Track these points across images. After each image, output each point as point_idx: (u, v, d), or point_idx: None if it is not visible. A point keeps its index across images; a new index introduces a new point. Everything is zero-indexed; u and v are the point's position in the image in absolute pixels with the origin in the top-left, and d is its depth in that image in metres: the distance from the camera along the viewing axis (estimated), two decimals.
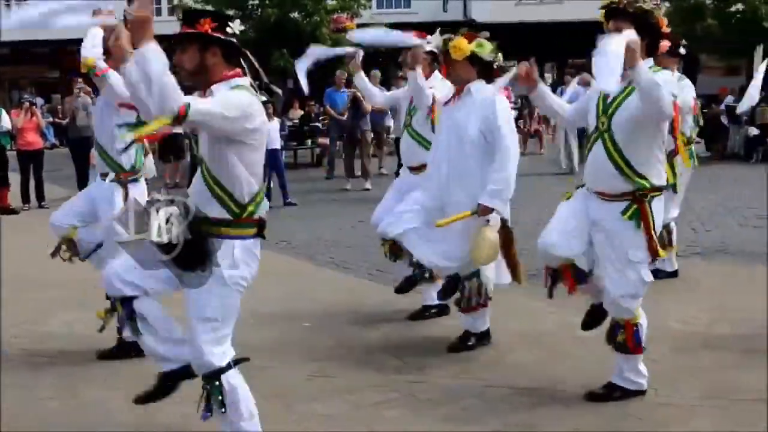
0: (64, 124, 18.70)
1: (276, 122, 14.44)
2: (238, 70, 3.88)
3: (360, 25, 26.83)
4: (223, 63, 3.84)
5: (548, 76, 19.73)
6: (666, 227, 7.66)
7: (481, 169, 5.58)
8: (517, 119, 25.19)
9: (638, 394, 4.96)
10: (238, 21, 3.94)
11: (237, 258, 3.81)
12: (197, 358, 3.85)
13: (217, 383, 3.83)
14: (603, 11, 4.70)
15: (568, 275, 4.96)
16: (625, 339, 4.84)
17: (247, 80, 3.87)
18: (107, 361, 5.82)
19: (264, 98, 3.90)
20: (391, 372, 5.56)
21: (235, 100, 3.68)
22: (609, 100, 4.71)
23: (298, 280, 8.25)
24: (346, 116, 16.50)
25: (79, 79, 14.59)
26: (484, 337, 6.06)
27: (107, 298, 4.21)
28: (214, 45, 3.81)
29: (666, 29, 4.77)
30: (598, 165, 4.74)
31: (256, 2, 23.62)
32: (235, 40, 3.86)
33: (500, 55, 5.78)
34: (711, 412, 4.79)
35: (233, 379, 3.87)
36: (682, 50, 7.86)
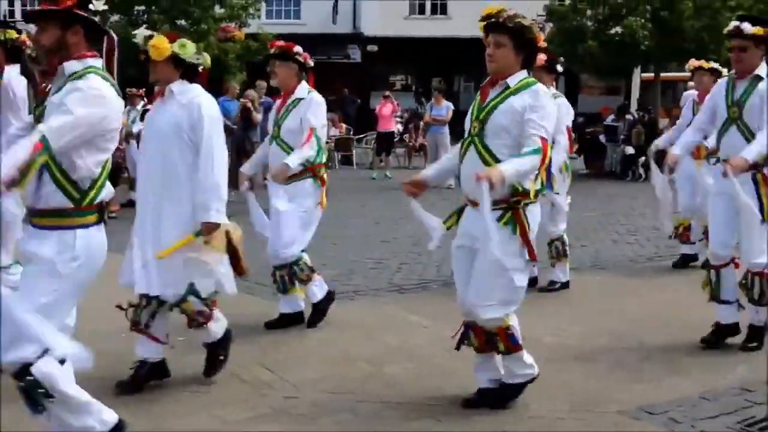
0: None
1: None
2: (95, 51, 3.80)
3: (248, 36, 26.64)
4: (84, 43, 3.76)
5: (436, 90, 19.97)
6: (560, 239, 7.93)
7: (190, 180, 5.22)
8: (402, 133, 25.46)
9: (531, 381, 5.07)
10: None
11: (78, 248, 3.72)
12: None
13: (31, 377, 3.60)
14: (482, 25, 4.79)
15: (479, 332, 4.95)
16: (504, 344, 4.90)
17: (100, 62, 3.79)
18: None
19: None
20: (263, 387, 5.49)
21: (93, 99, 3.62)
22: (483, 105, 4.79)
23: None
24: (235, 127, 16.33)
25: None
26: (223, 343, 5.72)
27: None
28: (77, 23, 3.72)
29: (542, 44, 4.88)
30: (472, 171, 4.69)
31: (143, 8, 23.22)
32: (97, 19, 3.77)
33: (206, 57, 5.45)
34: (576, 424, 4.88)
35: (46, 366, 3.62)
36: (559, 67, 8.07)
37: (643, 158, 18.16)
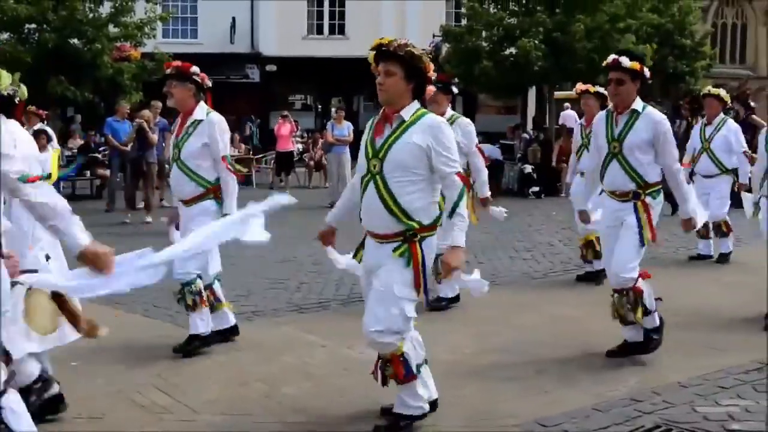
0: None
1: (49, 153, 13.83)
2: None
3: (144, 55, 26.26)
4: None
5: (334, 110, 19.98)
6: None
7: None
8: (302, 152, 25.47)
9: (423, 417, 5.03)
10: None
11: None
12: None
13: None
14: (372, 54, 4.82)
15: (397, 364, 4.91)
16: (395, 372, 4.88)
17: None
18: None
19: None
20: (160, 411, 5.41)
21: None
22: (379, 143, 4.81)
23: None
24: (130, 147, 16.07)
25: None
26: None
27: None
28: None
29: (432, 74, 4.91)
30: (372, 207, 4.81)
31: (34, 26, 22.66)
32: None
33: (23, 88, 4.72)
34: None
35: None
36: (455, 88, 8.20)
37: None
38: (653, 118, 6.30)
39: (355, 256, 5.16)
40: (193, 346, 6.61)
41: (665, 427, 5.04)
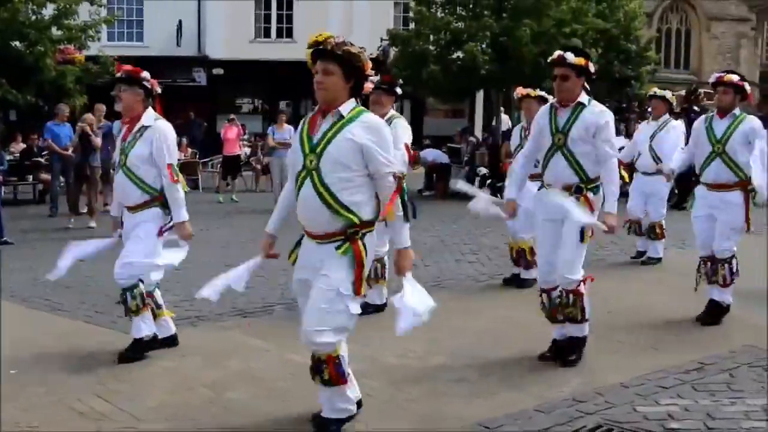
0: None
1: None
2: None
3: (89, 58, 25.89)
4: None
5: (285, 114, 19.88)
6: (379, 260, 7.92)
7: None
8: (250, 156, 25.34)
9: (350, 419, 5.02)
10: None
11: None
12: None
13: None
14: (309, 52, 4.79)
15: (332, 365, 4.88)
16: (330, 374, 4.84)
17: None
18: None
19: None
20: (99, 418, 5.33)
21: None
22: (316, 138, 4.77)
23: (8, 325, 7.75)
24: (71, 151, 15.86)
25: None
26: None
27: None
28: None
29: (369, 71, 4.91)
30: (308, 204, 4.77)
31: None
32: None
33: None
34: None
35: None
36: (399, 89, 8.22)
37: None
38: (598, 109, 6.35)
39: (289, 257, 5.11)
40: (137, 351, 6.54)
41: (606, 427, 5.10)
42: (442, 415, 5.37)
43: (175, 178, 6.53)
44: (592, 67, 6.42)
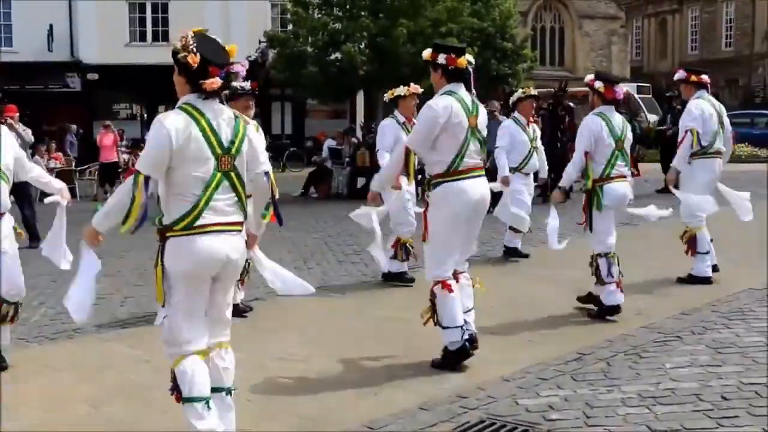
0: None
1: None
2: None
3: None
4: None
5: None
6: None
7: None
8: (128, 162, 24.78)
9: None
10: None
11: None
12: None
13: None
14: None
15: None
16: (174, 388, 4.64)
17: None
18: None
19: None
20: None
21: None
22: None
23: None
24: None
25: None
26: None
27: None
28: None
29: (193, 64, 4.68)
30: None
31: None
32: None
33: None
34: None
35: None
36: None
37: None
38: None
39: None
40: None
41: (489, 422, 5.16)
42: (325, 418, 5.34)
43: None
44: (442, 59, 6.30)
